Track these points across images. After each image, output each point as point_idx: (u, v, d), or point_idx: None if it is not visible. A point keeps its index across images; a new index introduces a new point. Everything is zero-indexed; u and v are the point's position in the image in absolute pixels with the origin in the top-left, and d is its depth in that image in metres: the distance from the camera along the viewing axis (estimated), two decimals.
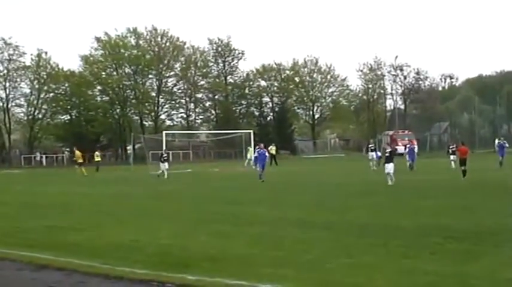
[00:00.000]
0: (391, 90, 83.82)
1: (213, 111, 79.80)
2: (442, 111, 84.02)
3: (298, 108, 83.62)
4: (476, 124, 78.42)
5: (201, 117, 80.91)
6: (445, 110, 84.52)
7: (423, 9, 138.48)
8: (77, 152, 38.48)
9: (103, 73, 71.23)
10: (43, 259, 9.07)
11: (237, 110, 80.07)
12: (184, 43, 74.76)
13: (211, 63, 78.72)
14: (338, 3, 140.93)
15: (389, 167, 21.78)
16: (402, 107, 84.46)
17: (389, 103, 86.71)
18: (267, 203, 16.80)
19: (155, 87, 73.81)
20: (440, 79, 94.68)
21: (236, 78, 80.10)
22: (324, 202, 16.73)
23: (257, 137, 54.61)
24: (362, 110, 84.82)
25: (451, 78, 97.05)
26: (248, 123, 75.73)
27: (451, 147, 33.22)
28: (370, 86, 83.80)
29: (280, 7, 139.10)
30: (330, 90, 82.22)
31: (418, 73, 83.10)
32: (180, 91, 75.90)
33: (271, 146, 44.45)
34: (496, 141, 53.43)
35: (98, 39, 70.60)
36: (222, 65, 78.82)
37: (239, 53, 78.22)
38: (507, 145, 32.58)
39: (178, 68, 74.93)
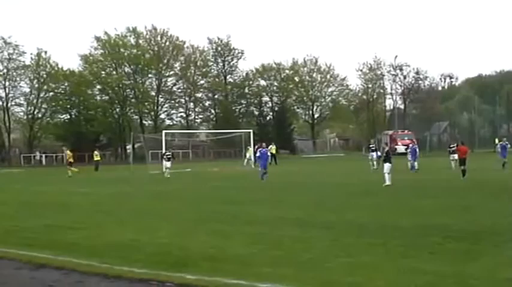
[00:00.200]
0: (391, 90, 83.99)
1: (213, 111, 79.82)
2: (442, 111, 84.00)
3: (298, 108, 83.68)
4: (476, 124, 78.38)
5: (200, 116, 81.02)
6: (444, 109, 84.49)
7: (423, 9, 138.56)
8: (68, 152, 38.54)
9: (103, 72, 71.20)
10: (42, 258, 9.07)
11: (237, 110, 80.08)
12: (184, 42, 74.88)
13: (211, 63, 78.80)
14: (338, 3, 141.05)
15: (385, 167, 21.77)
16: (402, 106, 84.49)
17: (388, 103, 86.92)
18: (266, 203, 16.79)
19: (155, 87, 73.81)
20: (440, 79, 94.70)
21: (236, 77, 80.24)
22: (324, 202, 16.73)
23: (257, 136, 54.63)
24: (361, 109, 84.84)
25: (451, 78, 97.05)
26: (248, 122, 75.79)
27: (451, 146, 32.95)
28: (370, 85, 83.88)
29: (279, 7, 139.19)
30: (330, 89, 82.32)
31: (417, 73, 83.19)
32: (179, 90, 75.95)
33: (271, 146, 44.42)
34: (497, 141, 53.54)
35: (97, 39, 70.60)
36: (221, 64, 78.87)
37: (239, 53, 78.37)
38: (509, 146, 32.02)
39: (178, 68, 74.97)
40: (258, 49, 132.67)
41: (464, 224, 11.43)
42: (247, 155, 43.23)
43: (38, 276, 8.17)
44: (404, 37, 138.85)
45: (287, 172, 33.80)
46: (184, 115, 77.21)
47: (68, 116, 72.07)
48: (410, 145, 33.99)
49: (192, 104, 77.71)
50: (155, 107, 73.04)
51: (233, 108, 78.85)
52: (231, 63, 79.04)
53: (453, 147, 31.73)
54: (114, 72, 71.03)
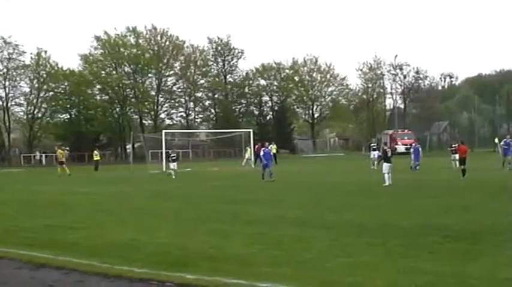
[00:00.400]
0: (391, 89, 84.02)
1: (213, 111, 79.81)
2: (442, 110, 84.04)
3: (298, 108, 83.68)
4: (476, 123, 78.41)
5: (200, 116, 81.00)
6: (444, 109, 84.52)
7: (423, 8, 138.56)
8: (59, 151, 38.53)
9: (102, 72, 71.18)
10: (42, 258, 9.07)
11: (237, 109, 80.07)
12: (184, 42, 74.85)
13: (211, 62, 78.78)
14: (338, 2, 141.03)
15: (384, 167, 21.76)
16: (402, 106, 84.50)
17: (388, 102, 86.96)
18: (266, 203, 16.80)
19: (155, 86, 73.80)
20: (440, 78, 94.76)
21: (236, 77, 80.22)
22: (323, 201, 16.73)
23: (257, 136, 54.60)
24: (361, 109, 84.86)
25: (451, 77, 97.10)
26: (248, 122, 75.77)
27: (453, 146, 32.62)
28: (370, 85, 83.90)
29: (279, 6, 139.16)
30: (330, 89, 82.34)
31: (417, 72, 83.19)
32: (179, 90, 75.94)
33: (271, 145, 44.40)
34: (496, 140, 53.51)
35: (97, 38, 70.59)
36: (221, 64, 78.85)
37: (239, 52, 78.34)
38: None
39: (178, 67, 74.96)
40: (258, 49, 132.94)
41: (464, 223, 11.43)
42: (246, 155, 43.25)
43: (38, 276, 8.17)
44: (404, 37, 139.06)
45: (287, 171, 33.78)
46: (184, 115, 77.25)
47: (68, 116, 72.05)
48: (413, 144, 33.60)
49: (192, 103, 77.72)
50: (155, 107, 73.04)
51: (233, 107, 78.83)
52: (231, 63, 79.07)
53: (455, 147, 31.39)
54: (114, 72, 71.01)
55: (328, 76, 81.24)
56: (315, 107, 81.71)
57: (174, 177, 30.28)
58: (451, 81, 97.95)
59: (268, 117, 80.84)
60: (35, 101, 68.17)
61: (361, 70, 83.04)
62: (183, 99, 76.56)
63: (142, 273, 7.83)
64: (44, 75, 67.85)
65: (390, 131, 68.08)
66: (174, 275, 7.64)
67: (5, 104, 66.70)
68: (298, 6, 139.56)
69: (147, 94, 72.50)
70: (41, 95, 68.44)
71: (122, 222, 13.11)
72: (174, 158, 31.96)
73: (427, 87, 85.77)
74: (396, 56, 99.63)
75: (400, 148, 58.48)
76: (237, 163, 43.06)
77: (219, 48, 77.91)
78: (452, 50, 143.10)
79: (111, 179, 31.35)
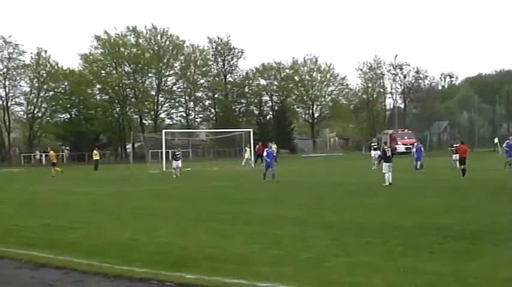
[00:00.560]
0: (391, 89, 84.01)
1: (213, 110, 79.78)
2: (442, 110, 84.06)
3: (298, 107, 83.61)
4: (476, 123, 78.43)
5: (200, 116, 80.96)
6: (444, 109, 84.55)
7: (423, 8, 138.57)
8: (51, 152, 38.63)
9: (102, 72, 71.15)
10: (42, 258, 9.08)
11: (237, 109, 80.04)
12: (184, 42, 74.78)
13: (211, 62, 78.70)
14: (338, 2, 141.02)
15: (384, 167, 21.77)
16: (402, 106, 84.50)
17: (388, 102, 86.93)
18: (266, 202, 16.80)
19: (155, 86, 73.77)
20: (440, 78, 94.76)
21: (236, 77, 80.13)
22: (323, 201, 16.74)
23: (257, 136, 54.61)
24: (361, 109, 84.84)
25: (451, 77, 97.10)
26: (248, 122, 75.73)
27: (454, 146, 32.53)
28: (370, 85, 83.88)
29: (279, 6, 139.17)
30: (330, 89, 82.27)
31: (417, 72, 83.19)
32: (179, 90, 75.90)
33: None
34: (496, 140, 53.48)
35: (97, 38, 70.55)
36: (221, 63, 78.79)
37: (239, 52, 78.27)
38: None
39: (178, 67, 74.92)
40: (258, 48, 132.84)
41: (464, 223, 11.43)
42: (246, 155, 43.26)
43: (38, 275, 8.17)
44: (404, 36, 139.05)
45: (287, 171, 33.76)
46: (184, 114, 77.19)
47: (68, 116, 72.05)
48: (415, 144, 33.50)
49: (192, 103, 77.68)
50: (155, 107, 73.01)
51: (233, 107, 78.81)
52: (231, 63, 79.00)
53: (456, 146, 31.32)
54: (114, 72, 70.98)
55: (328, 76, 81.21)
56: (315, 106, 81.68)
57: (178, 176, 30.32)
58: (451, 81, 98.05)
59: (268, 117, 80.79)
60: (35, 100, 68.18)
61: (361, 70, 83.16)
62: (183, 99, 76.54)
63: (142, 273, 7.84)
64: (44, 75, 67.85)
65: (390, 131, 68.08)
66: (174, 274, 7.65)
67: (5, 103, 66.72)
68: (298, 6, 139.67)
69: (147, 94, 72.48)
70: (41, 94, 68.44)
71: (122, 222, 13.11)
72: (178, 156, 32.09)
73: (427, 87, 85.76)
74: (396, 55, 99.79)
75: (400, 148, 58.52)
76: (237, 163, 43.06)
77: (219, 48, 77.87)
78: (452, 50, 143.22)
79: (111, 179, 31.35)
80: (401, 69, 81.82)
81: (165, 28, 73.37)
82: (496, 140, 52.69)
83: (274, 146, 45.69)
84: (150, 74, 73.01)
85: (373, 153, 34.81)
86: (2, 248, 10.00)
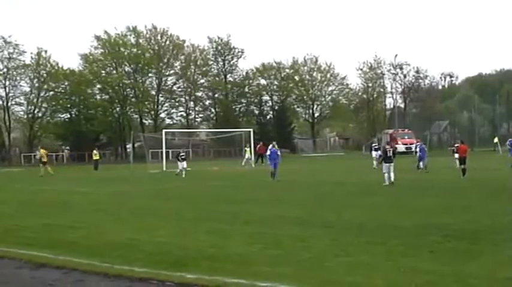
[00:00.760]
0: (391, 89, 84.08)
1: (213, 110, 79.76)
2: (442, 110, 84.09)
3: (298, 107, 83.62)
4: (476, 123, 78.46)
5: (200, 115, 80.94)
6: (444, 108, 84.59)
7: (423, 8, 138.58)
8: (42, 151, 38.48)
9: (103, 72, 71.15)
10: (42, 257, 9.07)
11: (237, 109, 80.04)
12: (184, 42, 74.78)
13: (211, 62, 78.70)
14: (338, 2, 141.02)
15: (384, 167, 21.76)
16: (402, 105, 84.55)
17: (389, 102, 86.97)
18: (266, 202, 16.80)
19: (155, 86, 73.77)
20: (440, 78, 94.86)
21: (236, 76, 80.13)
22: (323, 201, 16.74)
23: (257, 135, 54.61)
24: (362, 108, 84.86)
25: (451, 77, 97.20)
26: (248, 121, 75.73)
27: (455, 145, 32.47)
28: (370, 84, 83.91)
29: (279, 6, 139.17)
30: (330, 88, 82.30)
31: (417, 72, 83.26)
32: (179, 90, 75.90)
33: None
34: (496, 140, 53.51)
35: (97, 38, 70.54)
36: (221, 63, 78.78)
37: (239, 52, 78.28)
38: None
39: (178, 67, 74.93)
40: (258, 48, 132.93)
41: (464, 223, 11.43)
42: (246, 155, 43.26)
43: (38, 275, 8.17)
44: (405, 36, 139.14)
45: (287, 170, 33.73)
46: (185, 114, 77.18)
47: (68, 116, 72.01)
48: (418, 144, 33.38)
49: (192, 103, 77.67)
50: (155, 106, 73.01)
51: (233, 107, 78.81)
52: (231, 62, 78.99)
53: (457, 146, 31.26)
54: (114, 72, 70.97)
55: (328, 75, 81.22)
56: (315, 106, 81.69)
57: (184, 176, 30.34)
58: (451, 80, 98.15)
59: (268, 117, 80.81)
60: (35, 100, 68.14)
61: (361, 69, 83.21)
62: (183, 99, 76.53)
63: (142, 272, 7.83)
64: (44, 75, 67.81)
65: (390, 131, 68.10)
66: (174, 274, 7.65)
67: (5, 103, 66.66)
68: (298, 6, 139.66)
69: (147, 94, 72.47)
70: (41, 94, 68.40)
71: (122, 222, 13.11)
72: (183, 157, 32.13)
73: (427, 87, 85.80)
74: (396, 55, 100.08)
75: (401, 148, 58.49)
76: (237, 163, 43.05)
77: (219, 47, 77.85)
78: (452, 49, 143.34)
79: (111, 179, 31.36)
80: (401, 69, 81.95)
81: (165, 28, 73.54)
82: (496, 140, 52.74)
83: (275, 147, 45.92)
84: (150, 74, 73.01)
85: (373, 153, 34.81)
86: (2, 248, 10.00)
